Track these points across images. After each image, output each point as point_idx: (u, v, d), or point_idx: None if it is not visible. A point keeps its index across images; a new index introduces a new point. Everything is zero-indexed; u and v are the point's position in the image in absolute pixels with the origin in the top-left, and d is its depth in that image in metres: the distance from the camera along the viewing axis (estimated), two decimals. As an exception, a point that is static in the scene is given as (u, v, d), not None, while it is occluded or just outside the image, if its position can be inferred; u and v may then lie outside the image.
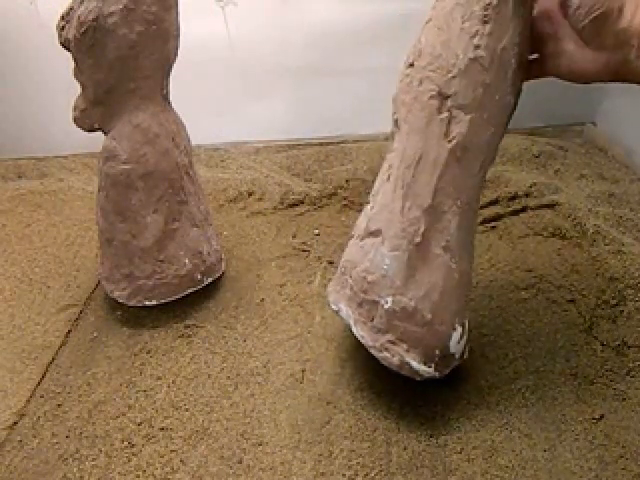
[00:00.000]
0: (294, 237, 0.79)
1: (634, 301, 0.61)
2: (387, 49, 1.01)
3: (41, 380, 0.58)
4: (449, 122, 0.47)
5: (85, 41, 0.58)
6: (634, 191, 0.82)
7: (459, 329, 0.49)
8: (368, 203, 0.54)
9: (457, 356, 0.50)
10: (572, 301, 0.63)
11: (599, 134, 1.00)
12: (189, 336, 0.63)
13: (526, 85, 1.06)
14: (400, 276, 0.48)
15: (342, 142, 1.04)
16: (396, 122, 0.51)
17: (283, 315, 0.65)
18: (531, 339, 0.58)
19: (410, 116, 0.49)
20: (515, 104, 0.49)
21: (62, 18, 0.61)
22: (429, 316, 0.47)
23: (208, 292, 0.68)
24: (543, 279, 0.67)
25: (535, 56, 0.49)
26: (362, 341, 0.51)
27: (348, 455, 0.48)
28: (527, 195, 0.83)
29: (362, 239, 0.52)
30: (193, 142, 0.68)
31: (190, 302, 0.67)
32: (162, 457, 0.49)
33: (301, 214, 0.85)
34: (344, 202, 0.87)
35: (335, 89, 1.04)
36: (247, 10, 0.97)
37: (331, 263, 0.73)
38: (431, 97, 0.47)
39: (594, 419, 0.49)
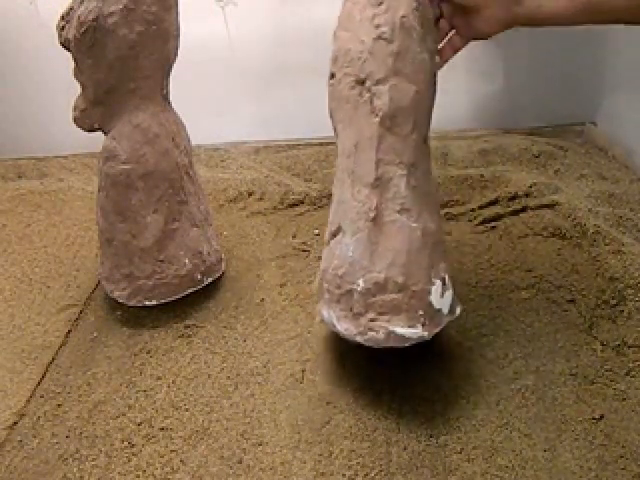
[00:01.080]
0: (294, 237, 0.79)
1: (634, 301, 0.61)
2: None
3: (41, 380, 0.58)
4: (371, 100, 0.50)
5: (85, 41, 0.58)
6: (634, 191, 0.82)
7: (438, 283, 0.49)
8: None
9: (445, 311, 0.50)
10: (572, 301, 0.63)
11: (599, 134, 1.00)
12: (189, 336, 0.63)
13: (526, 85, 1.07)
14: (365, 255, 0.50)
15: (342, 142, 1.04)
16: (335, 130, 0.54)
17: (283, 315, 0.65)
18: (531, 339, 0.58)
19: (340, 115, 0.53)
20: (432, 61, 0.51)
21: (62, 18, 0.61)
22: (401, 279, 0.48)
23: (208, 292, 0.68)
24: (543, 279, 0.67)
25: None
26: (347, 333, 0.51)
27: (348, 455, 0.48)
28: (527, 195, 0.83)
29: (328, 244, 0.54)
30: (193, 142, 0.68)
31: (190, 302, 0.67)
32: (162, 457, 0.49)
33: (301, 214, 0.85)
34: (344, 202, 0.87)
35: (335, 89, 1.04)
36: (247, 10, 0.97)
37: (331, 263, 0.73)
38: (351, 88, 0.51)
39: (594, 419, 0.49)
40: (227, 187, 0.93)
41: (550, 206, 0.80)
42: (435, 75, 0.52)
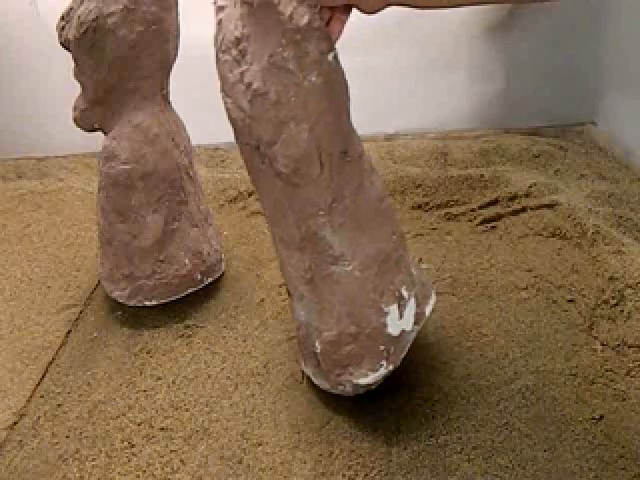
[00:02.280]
0: (294, 237, 0.79)
1: (634, 301, 0.61)
2: (387, 49, 1.01)
3: (41, 380, 0.58)
4: (271, 164, 0.46)
5: (85, 41, 0.58)
6: (634, 191, 0.82)
7: (392, 308, 0.48)
8: None
9: (408, 328, 0.49)
10: (572, 301, 0.63)
11: (599, 134, 1.00)
12: (189, 336, 0.63)
13: (526, 85, 1.06)
14: (314, 317, 0.49)
15: (342, 142, 1.04)
16: None
17: (283, 315, 0.65)
18: (531, 339, 0.58)
19: (254, 181, 0.51)
20: (324, 71, 0.43)
21: (62, 18, 0.61)
22: (353, 329, 0.47)
23: (208, 292, 0.68)
24: (543, 279, 0.67)
25: None
26: (322, 387, 0.52)
27: (348, 455, 0.48)
28: (527, 195, 0.83)
29: (290, 298, 0.54)
30: (193, 142, 0.68)
31: (190, 302, 0.67)
32: (162, 457, 0.49)
33: (301, 214, 0.85)
34: (344, 202, 0.87)
35: (335, 89, 1.04)
36: (247, 10, 0.97)
37: (331, 263, 0.73)
38: (251, 156, 0.48)
39: (594, 419, 0.49)
40: (227, 187, 0.92)
41: (550, 206, 0.80)
42: (333, 77, 0.44)
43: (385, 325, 0.48)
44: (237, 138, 0.48)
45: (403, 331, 0.49)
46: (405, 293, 0.49)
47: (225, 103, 0.47)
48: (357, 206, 0.47)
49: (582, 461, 0.46)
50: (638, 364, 0.54)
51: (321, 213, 0.46)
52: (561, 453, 0.47)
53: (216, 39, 0.46)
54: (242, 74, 0.44)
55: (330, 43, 0.44)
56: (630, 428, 0.48)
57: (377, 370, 0.48)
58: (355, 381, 0.48)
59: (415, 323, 0.50)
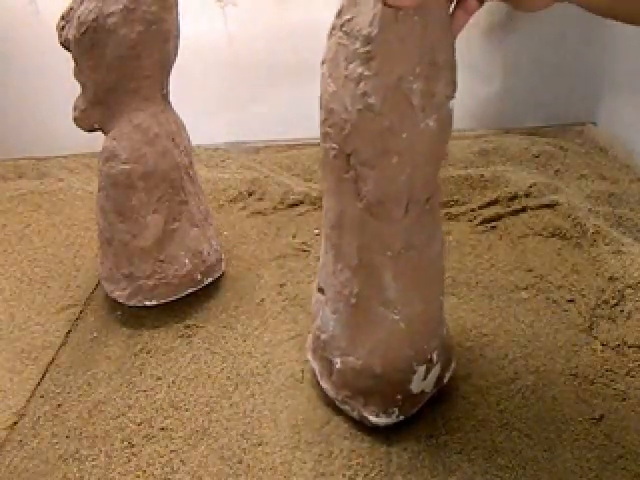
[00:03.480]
0: (294, 237, 0.79)
1: (634, 301, 0.61)
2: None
3: (41, 380, 0.58)
4: (356, 181, 0.42)
5: (85, 41, 0.58)
6: (634, 191, 0.82)
7: (421, 369, 0.48)
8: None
9: (428, 389, 0.49)
10: (572, 301, 0.63)
11: (599, 134, 1.00)
12: (189, 336, 0.63)
13: (526, 85, 1.07)
14: (344, 337, 0.48)
15: (342, 142, 1.04)
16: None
17: (283, 315, 0.65)
18: (531, 339, 0.58)
19: (325, 174, 0.46)
20: (442, 119, 0.41)
21: (62, 18, 0.61)
22: (379, 370, 0.47)
23: (208, 292, 0.68)
24: (543, 279, 0.67)
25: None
26: (327, 392, 0.52)
27: (348, 455, 0.48)
28: (527, 195, 0.83)
29: (317, 292, 0.52)
30: (193, 142, 0.68)
31: (190, 302, 0.67)
32: (162, 457, 0.49)
33: (301, 214, 0.85)
34: (344, 202, 0.87)
35: (335, 89, 1.04)
36: (247, 10, 0.97)
37: (331, 263, 0.73)
38: (334, 157, 0.43)
39: (594, 419, 0.49)
40: (227, 187, 0.92)
41: (550, 206, 0.80)
42: (447, 128, 0.42)
43: (410, 381, 0.48)
44: (325, 126, 0.43)
45: (423, 391, 0.49)
46: (435, 357, 0.49)
47: (326, 84, 0.42)
48: (422, 259, 0.45)
49: (582, 461, 0.46)
50: (638, 364, 0.54)
51: (388, 254, 0.44)
52: (561, 453, 0.47)
53: (340, 13, 0.40)
54: (360, 77, 0.38)
55: (454, 89, 0.41)
56: (630, 428, 0.48)
57: (388, 414, 0.48)
58: (363, 413, 0.49)
59: (434, 386, 0.50)
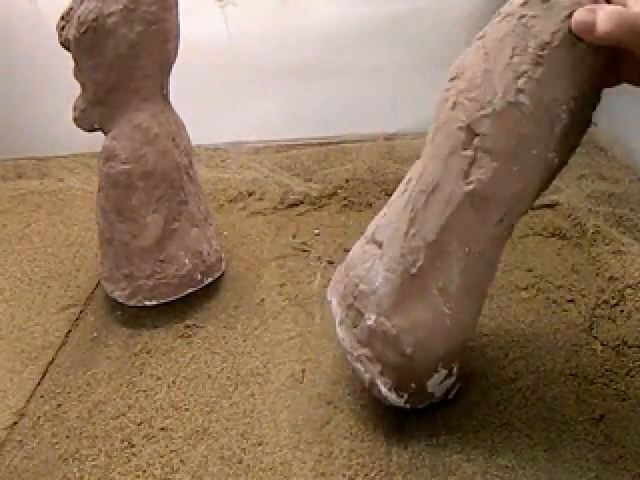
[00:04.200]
0: (294, 237, 0.79)
1: (634, 301, 0.61)
2: (387, 49, 1.01)
3: (41, 380, 0.58)
4: (471, 163, 0.42)
5: (85, 41, 0.58)
6: (634, 191, 0.82)
7: (442, 372, 0.47)
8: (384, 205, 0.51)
9: (437, 395, 0.49)
10: (572, 301, 0.63)
11: (599, 134, 1.00)
12: (189, 336, 0.63)
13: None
14: (388, 299, 0.47)
15: (342, 142, 1.04)
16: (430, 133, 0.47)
17: (283, 315, 0.65)
18: (531, 339, 0.58)
19: (436, 138, 0.45)
20: (563, 163, 0.43)
21: (62, 18, 0.61)
22: (409, 350, 0.46)
23: (208, 292, 0.68)
24: (543, 279, 0.67)
25: None
26: (341, 343, 0.51)
27: (348, 455, 0.48)
28: (527, 195, 0.83)
29: (367, 243, 0.50)
30: (193, 142, 0.68)
31: (190, 302, 0.67)
32: (162, 457, 0.49)
33: (301, 214, 0.85)
34: (344, 202, 0.87)
35: (335, 89, 1.04)
36: (247, 10, 0.97)
37: (331, 263, 0.73)
38: (459, 128, 0.42)
39: (594, 419, 0.49)
40: (227, 187, 0.93)
41: (550, 206, 0.80)
42: (555, 175, 0.45)
43: (429, 377, 0.47)
44: (459, 91, 0.43)
45: (432, 394, 0.49)
46: (455, 370, 0.49)
47: (479, 57, 0.42)
48: (484, 277, 0.46)
49: (582, 461, 0.46)
50: (638, 364, 0.54)
51: (464, 247, 0.44)
52: (561, 453, 0.47)
53: (525, 3, 0.40)
54: (523, 74, 0.39)
55: (573, 151, 0.43)
56: (630, 428, 0.48)
57: (397, 395, 0.47)
58: (377, 380, 0.47)
59: (441, 395, 0.50)
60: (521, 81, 0.39)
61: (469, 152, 0.42)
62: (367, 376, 0.48)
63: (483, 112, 0.40)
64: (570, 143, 0.42)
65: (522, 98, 0.39)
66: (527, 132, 0.39)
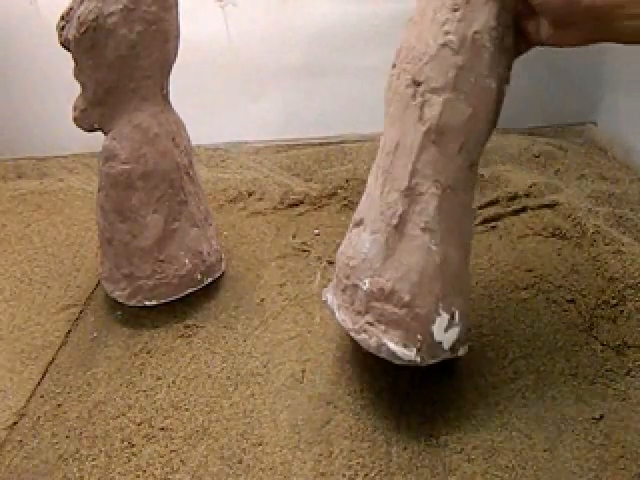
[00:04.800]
0: (294, 237, 0.79)
1: (634, 301, 0.61)
2: (387, 48, 1.01)
3: (41, 380, 0.58)
4: (422, 106, 0.47)
5: (85, 41, 0.58)
6: (634, 191, 0.82)
7: (445, 316, 0.47)
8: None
9: (445, 346, 0.48)
10: (572, 301, 0.63)
11: (599, 134, 1.00)
12: (189, 336, 0.63)
13: (526, 85, 1.06)
14: (378, 258, 0.49)
15: (342, 142, 1.04)
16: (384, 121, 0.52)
17: (283, 315, 0.65)
18: (531, 339, 0.58)
19: (390, 109, 0.51)
20: (500, 89, 0.48)
21: (62, 18, 0.61)
22: (407, 297, 0.47)
23: (208, 292, 0.68)
24: (543, 279, 0.67)
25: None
26: (343, 325, 0.51)
27: (348, 455, 0.48)
28: (527, 195, 0.83)
29: (350, 230, 0.53)
30: (193, 142, 0.68)
31: (190, 302, 0.67)
32: (162, 457, 0.49)
33: (301, 214, 0.85)
34: (344, 202, 0.87)
35: (335, 89, 1.04)
36: (247, 10, 0.97)
37: (331, 263, 0.73)
38: (406, 86, 0.48)
39: (594, 419, 0.49)
40: (227, 187, 0.93)
41: (550, 206, 0.80)
42: (500, 102, 0.49)
43: (433, 322, 0.47)
44: (401, 61, 0.49)
45: (440, 343, 0.48)
46: (457, 317, 0.49)
47: (408, 27, 0.50)
48: (460, 215, 0.49)
49: (582, 461, 0.46)
50: (638, 364, 0.54)
51: (437, 184, 0.47)
52: (561, 453, 0.47)
53: None
54: (446, 21, 0.46)
55: (509, 78, 0.49)
56: (630, 428, 0.48)
57: (407, 348, 0.47)
58: (384, 339, 0.47)
59: (450, 349, 0.49)
60: (445, 26, 0.46)
61: (418, 99, 0.47)
62: (373, 341, 0.48)
63: (422, 62, 0.47)
64: (500, 71, 0.47)
65: (449, 37, 0.46)
66: (461, 63, 0.45)
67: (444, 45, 0.46)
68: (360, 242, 0.51)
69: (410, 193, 0.48)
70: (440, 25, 0.46)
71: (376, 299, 0.48)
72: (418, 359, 0.47)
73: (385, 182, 0.50)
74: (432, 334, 0.47)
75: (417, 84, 0.47)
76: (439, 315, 0.47)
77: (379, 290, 0.48)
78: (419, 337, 0.47)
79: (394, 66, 0.51)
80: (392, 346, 0.47)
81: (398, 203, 0.48)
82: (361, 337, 0.49)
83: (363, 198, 0.53)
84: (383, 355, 0.48)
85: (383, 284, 0.48)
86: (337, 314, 0.52)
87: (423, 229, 0.47)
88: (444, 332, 0.48)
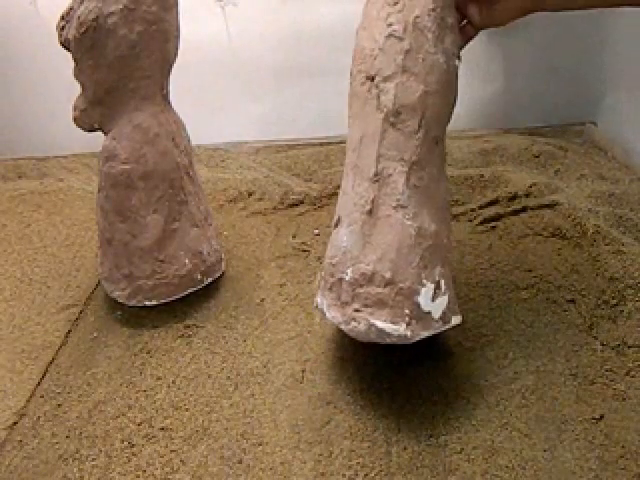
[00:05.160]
0: (294, 237, 0.79)
1: (634, 301, 0.61)
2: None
3: (41, 380, 0.58)
4: (378, 96, 0.50)
5: (85, 41, 0.58)
6: (634, 191, 0.82)
7: (429, 285, 0.48)
8: None
9: (435, 316, 0.49)
10: (572, 301, 0.63)
11: (599, 134, 1.00)
12: (189, 336, 0.63)
13: (526, 85, 1.07)
14: (357, 246, 0.50)
15: (342, 142, 1.04)
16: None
17: (283, 315, 0.65)
18: (531, 339, 0.58)
19: (352, 110, 0.53)
20: (450, 64, 0.50)
21: (62, 18, 0.61)
22: (388, 275, 0.48)
23: (208, 292, 0.68)
24: (543, 279, 0.67)
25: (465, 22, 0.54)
26: (334, 322, 0.51)
27: (348, 455, 0.48)
28: (527, 195, 0.83)
29: (334, 227, 0.54)
30: (193, 142, 0.68)
31: (190, 302, 0.67)
32: (162, 457, 0.49)
33: (301, 214, 0.85)
34: (344, 202, 0.87)
35: (335, 89, 1.03)
36: (247, 10, 0.97)
37: (331, 263, 0.73)
38: (362, 84, 0.51)
39: (594, 419, 0.49)
40: (227, 187, 0.93)
41: (550, 206, 0.80)
42: (453, 77, 0.51)
43: (418, 293, 0.48)
44: (356, 65, 0.52)
45: (430, 313, 0.48)
46: (443, 286, 0.50)
47: (359, 34, 0.53)
48: (431, 185, 0.50)
49: (582, 461, 0.46)
50: (638, 364, 0.54)
51: (402, 162, 0.49)
52: (561, 453, 0.47)
53: None
54: (388, 15, 0.50)
55: (458, 52, 0.51)
56: (630, 428, 0.48)
57: (395, 324, 0.47)
58: (372, 320, 0.48)
59: (441, 318, 0.49)
60: (389, 19, 0.49)
61: (374, 91, 0.50)
62: (362, 325, 0.49)
63: (372, 58, 0.50)
64: (447, 47, 0.50)
65: (393, 28, 0.49)
66: (407, 47, 0.49)
67: (389, 36, 0.49)
68: (339, 238, 0.52)
69: (379, 178, 0.50)
70: (384, 20, 0.50)
71: (360, 285, 0.49)
72: (408, 333, 0.47)
73: (355, 176, 0.52)
74: (419, 305, 0.48)
75: (371, 79, 0.50)
76: (423, 286, 0.48)
77: (361, 275, 0.49)
78: (406, 311, 0.47)
79: (351, 73, 0.53)
80: (380, 324, 0.47)
81: (369, 190, 0.50)
82: (350, 326, 0.49)
83: (338, 199, 0.55)
84: (373, 337, 0.48)
85: (364, 269, 0.49)
86: (327, 313, 0.52)
87: (395, 207, 0.49)
88: (431, 301, 0.48)
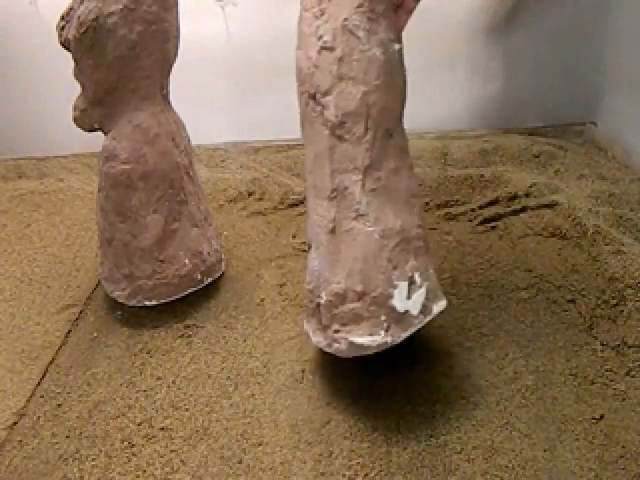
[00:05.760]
0: (294, 237, 0.79)
1: (634, 301, 0.61)
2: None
3: (41, 380, 0.58)
4: (322, 112, 0.50)
5: (85, 41, 0.58)
6: (634, 191, 0.82)
7: (402, 284, 0.48)
8: None
9: (414, 312, 0.48)
10: (572, 301, 0.63)
11: (599, 134, 1.00)
12: (189, 336, 0.63)
13: (526, 85, 1.06)
14: (327, 268, 0.50)
15: (342, 142, 1.04)
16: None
17: (283, 315, 0.65)
18: (531, 339, 0.58)
19: (304, 132, 0.53)
20: (389, 51, 0.49)
21: (62, 18, 0.61)
22: (359, 287, 0.48)
23: (208, 292, 0.68)
24: (543, 279, 0.67)
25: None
26: (320, 346, 0.52)
27: (348, 455, 0.48)
28: (527, 195, 0.83)
29: (309, 250, 0.54)
30: (193, 142, 0.68)
31: (190, 302, 0.67)
32: (162, 457, 0.49)
33: (301, 214, 0.85)
34: (344, 202, 0.87)
35: (335, 89, 1.04)
36: (247, 10, 0.97)
37: (331, 263, 0.73)
38: (306, 105, 0.51)
39: (594, 419, 0.49)
40: (227, 187, 0.93)
41: (550, 206, 0.80)
42: (394, 63, 0.50)
43: (391, 296, 0.47)
44: (299, 87, 0.52)
45: (408, 312, 0.48)
46: (417, 279, 0.49)
47: (296, 55, 0.52)
48: (389, 181, 0.50)
49: (582, 461, 0.46)
50: (638, 364, 0.54)
51: (355, 171, 0.49)
52: (561, 453, 0.47)
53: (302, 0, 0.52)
54: (317, 28, 0.49)
55: (397, 35, 0.50)
56: (630, 428, 0.48)
57: (374, 335, 0.47)
58: (350, 339, 0.48)
59: (421, 312, 0.49)
60: (318, 32, 0.49)
61: (318, 108, 0.50)
62: (343, 345, 0.49)
63: (309, 75, 0.50)
64: (382, 36, 0.49)
65: (323, 39, 0.48)
66: (340, 55, 0.48)
67: (321, 49, 0.49)
68: (311, 262, 0.52)
69: (336, 194, 0.50)
70: (314, 35, 0.49)
71: (335, 306, 0.49)
72: (388, 339, 0.48)
73: (315, 198, 0.52)
74: (394, 308, 0.48)
75: (312, 97, 0.50)
76: (395, 287, 0.48)
77: (334, 296, 0.49)
78: (383, 318, 0.48)
79: (298, 96, 0.53)
80: (359, 340, 0.48)
81: (329, 209, 0.50)
82: (333, 348, 0.50)
83: (307, 225, 0.55)
84: (355, 353, 0.49)
85: (336, 288, 0.49)
86: (313, 338, 0.53)
87: (355, 218, 0.49)
88: (407, 299, 0.48)
